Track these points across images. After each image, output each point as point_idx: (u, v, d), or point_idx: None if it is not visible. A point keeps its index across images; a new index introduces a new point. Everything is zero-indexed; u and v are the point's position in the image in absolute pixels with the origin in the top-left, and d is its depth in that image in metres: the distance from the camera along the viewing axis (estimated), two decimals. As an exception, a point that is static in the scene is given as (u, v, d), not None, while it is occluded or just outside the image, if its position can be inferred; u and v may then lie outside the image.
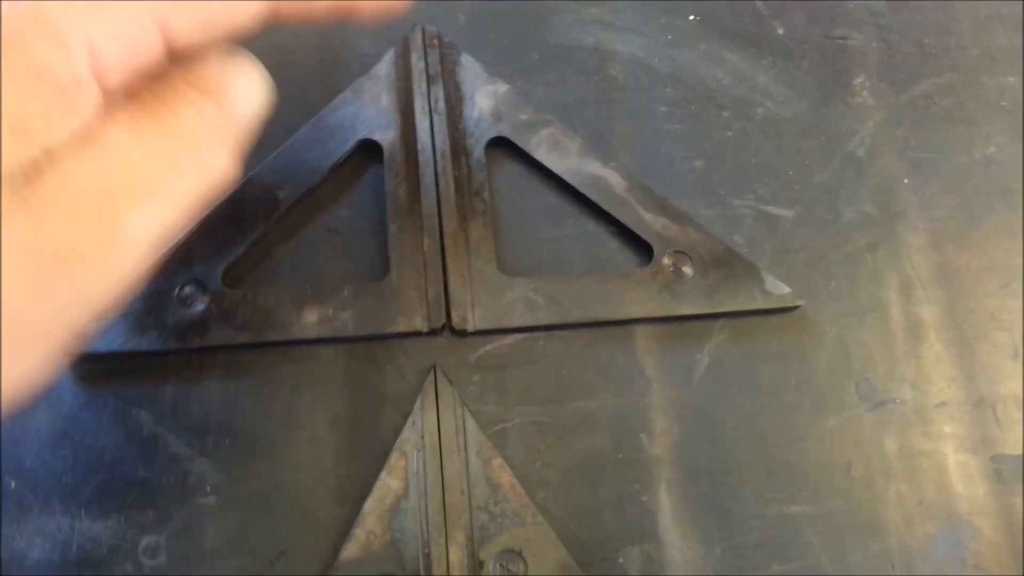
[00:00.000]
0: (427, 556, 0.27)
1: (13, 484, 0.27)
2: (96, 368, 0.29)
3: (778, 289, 0.32)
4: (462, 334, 0.31)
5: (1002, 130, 0.36)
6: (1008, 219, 0.34)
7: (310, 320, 0.30)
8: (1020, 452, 0.31)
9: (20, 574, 0.26)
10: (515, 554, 0.27)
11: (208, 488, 0.28)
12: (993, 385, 0.32)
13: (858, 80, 0.37)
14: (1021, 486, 0.30)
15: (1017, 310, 0.33)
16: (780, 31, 0.38)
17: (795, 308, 0.32)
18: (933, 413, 0.31)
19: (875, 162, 0.35)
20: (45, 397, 0.29)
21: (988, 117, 0.36)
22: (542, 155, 0.33)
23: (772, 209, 0.34)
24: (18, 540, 0.27)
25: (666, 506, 0.29)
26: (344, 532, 0.27)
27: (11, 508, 0.27)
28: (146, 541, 0.27)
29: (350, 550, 0.27)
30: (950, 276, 0.33)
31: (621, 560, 0.28)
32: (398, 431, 0.29)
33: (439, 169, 0.32)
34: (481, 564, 0.27)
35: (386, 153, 0.33)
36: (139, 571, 0.27)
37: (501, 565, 0.27)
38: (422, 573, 0.27)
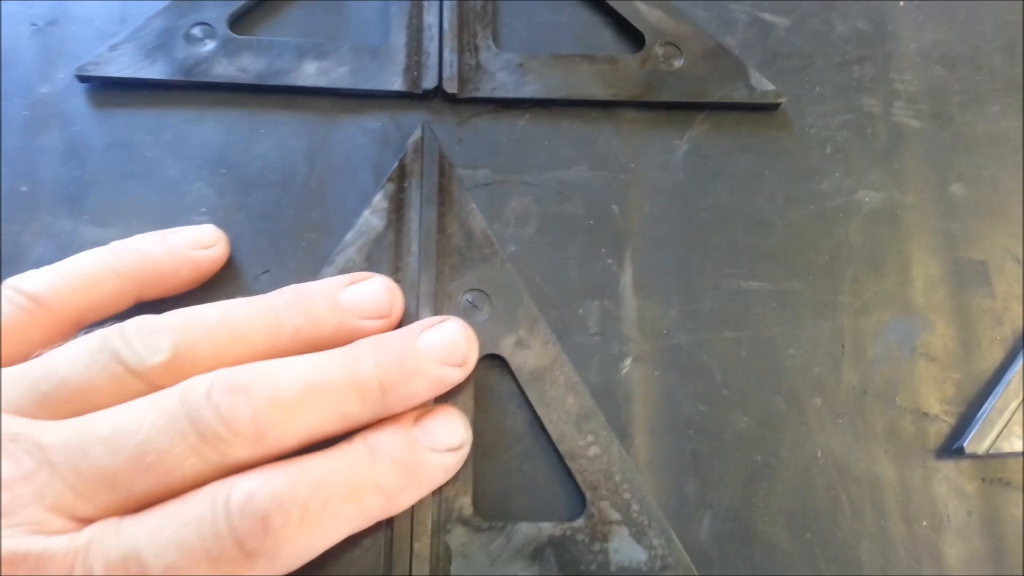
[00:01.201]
0: (399, 284, 0.29)
1: (24, 188, 0.30)
2: (107, 94, 0.31)
3: (762, 85, 0.33)
4: (453, 99, 0.32)
5: (1008, -36, 0.36)
6: (998, 46, 0.35)
7: (309, 70, 0.31)
8: (980, 258, 0.32)
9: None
10: (481, 292, 0.29)
11: (203, 209, 0.30)
12: (964, 191, 0.33)
13: (870, -94, 0.37)
14: (978, 289, 0.31)
15: (1006, 124, 0.33)
16: None
17: (777, 106, 0.33)
18: (902, 212, 0.32)
19: (876, -17, 0.36)
20: (58, 116, 0.31)
21: (996, -49, 0.37)
22: (548, -54, 0.34)
23: (768, 16, 0.35)
24: (23, 237, 0.29)
25: (629, 270, 0.31)
26: (325, 258, 0.29)
27: (19, 210, 0.29)
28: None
29: (328, 272, 0.29)
30: (934, 93, 0.34)
31: (580, 311, 0.30)
32: (385, 176, 0.30)
33: (446, -51, 0.33)
34: (449, 296, 0.29)
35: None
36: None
37: (467, 300, 0.29)
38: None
